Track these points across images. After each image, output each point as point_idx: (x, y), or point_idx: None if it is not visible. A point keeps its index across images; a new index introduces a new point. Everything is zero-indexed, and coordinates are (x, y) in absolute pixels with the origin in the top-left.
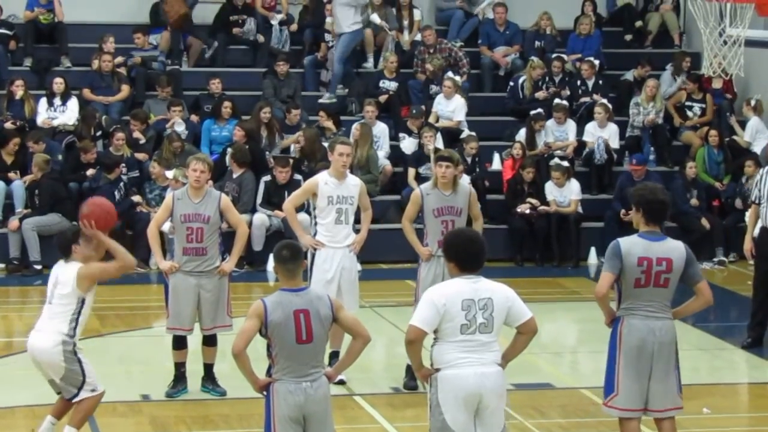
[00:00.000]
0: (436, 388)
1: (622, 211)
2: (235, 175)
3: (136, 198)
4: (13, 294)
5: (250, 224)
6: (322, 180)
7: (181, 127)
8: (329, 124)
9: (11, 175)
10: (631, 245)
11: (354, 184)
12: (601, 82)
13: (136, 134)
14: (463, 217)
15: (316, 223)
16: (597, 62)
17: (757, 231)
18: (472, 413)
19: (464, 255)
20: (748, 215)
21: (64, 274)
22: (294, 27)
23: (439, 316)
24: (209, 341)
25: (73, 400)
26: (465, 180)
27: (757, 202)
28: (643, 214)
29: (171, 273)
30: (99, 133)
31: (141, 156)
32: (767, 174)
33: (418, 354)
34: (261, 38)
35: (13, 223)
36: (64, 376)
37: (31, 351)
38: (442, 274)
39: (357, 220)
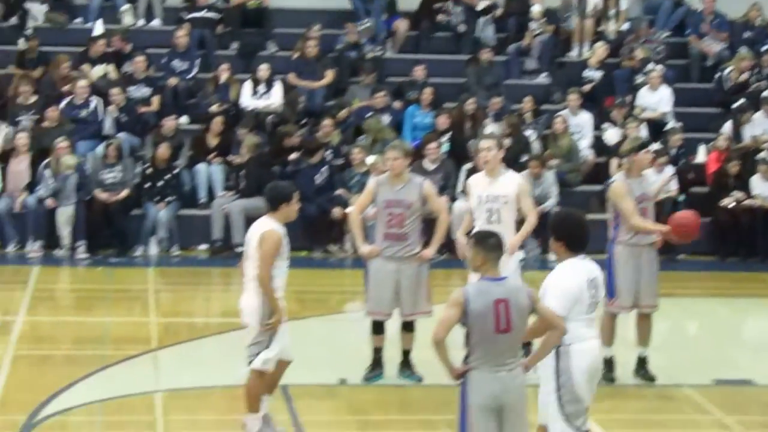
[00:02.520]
0: (568, 360)
1: None
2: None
3: (340, 191)
4: (215, 276)
5: (450, 211)
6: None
7: None
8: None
9: (213, 158)
10: None
11: (509, 182)
12: None
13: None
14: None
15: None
16: None
17: None
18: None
19: (575, 236)
20: None
21: (254, 229)
22: (499, 12)
23: (574, 300)
24: (408, 327)
25: (249, 366)
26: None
27: None
28: None
29: (371, 258)
30: (304, 120)
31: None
32: None
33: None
34: (463, 27)
35: (226, 206)
36: (253, 339)
37: (242, 310)
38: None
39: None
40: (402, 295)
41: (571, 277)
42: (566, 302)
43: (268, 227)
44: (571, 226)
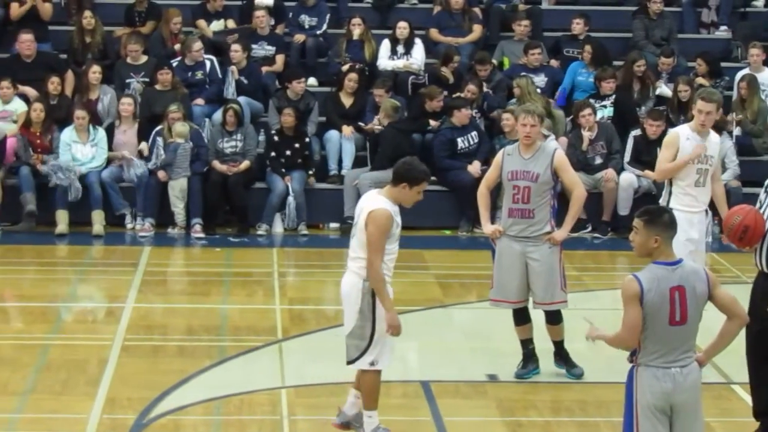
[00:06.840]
0: None
1: None
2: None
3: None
4: (347, 257)
5: (616, 184)
6: (683, 134)
7: None
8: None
9: (346, 129)
10: None
11: (716, 141)
12: None
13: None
14: None
15: (671, 186)
16: None
17: None
18: None
19: None
20: None
21: (363, 204)
22: None
23: None
24: (551, 318)
25: (350, 366)
26: None
27: None
28: None
29: (495, 238)
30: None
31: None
32: None
33: None
34: None
35: (357, 179)
36: (352, 330)
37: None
38: None
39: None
40: (531, 280)
41: None
42: None
43: (377, 205)
44: None
